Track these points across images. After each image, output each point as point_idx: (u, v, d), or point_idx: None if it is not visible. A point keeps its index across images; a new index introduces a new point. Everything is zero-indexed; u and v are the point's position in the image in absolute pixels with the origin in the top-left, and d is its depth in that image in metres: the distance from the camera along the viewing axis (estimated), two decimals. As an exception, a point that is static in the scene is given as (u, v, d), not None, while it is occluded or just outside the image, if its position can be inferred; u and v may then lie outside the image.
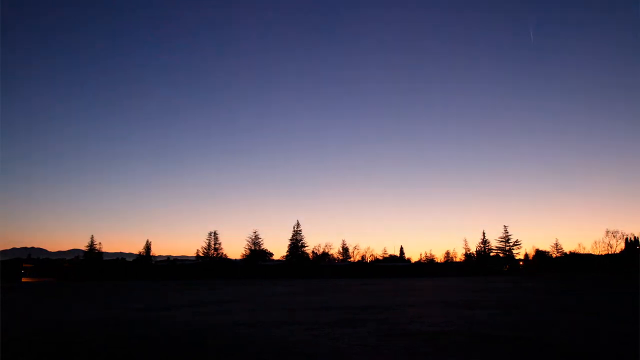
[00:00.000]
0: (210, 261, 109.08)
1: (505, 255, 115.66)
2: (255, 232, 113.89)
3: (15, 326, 12.10)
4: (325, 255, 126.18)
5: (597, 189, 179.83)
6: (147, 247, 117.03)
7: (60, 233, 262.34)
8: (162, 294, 31.41)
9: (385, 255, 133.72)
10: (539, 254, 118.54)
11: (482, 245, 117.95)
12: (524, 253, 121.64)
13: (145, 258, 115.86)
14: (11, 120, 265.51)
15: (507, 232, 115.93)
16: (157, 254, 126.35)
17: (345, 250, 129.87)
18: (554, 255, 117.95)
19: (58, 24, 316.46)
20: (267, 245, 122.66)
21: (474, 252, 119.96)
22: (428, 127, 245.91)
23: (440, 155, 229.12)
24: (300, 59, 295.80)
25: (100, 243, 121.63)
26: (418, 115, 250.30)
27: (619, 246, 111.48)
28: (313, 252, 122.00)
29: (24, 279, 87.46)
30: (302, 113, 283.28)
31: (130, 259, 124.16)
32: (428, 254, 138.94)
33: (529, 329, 10.56)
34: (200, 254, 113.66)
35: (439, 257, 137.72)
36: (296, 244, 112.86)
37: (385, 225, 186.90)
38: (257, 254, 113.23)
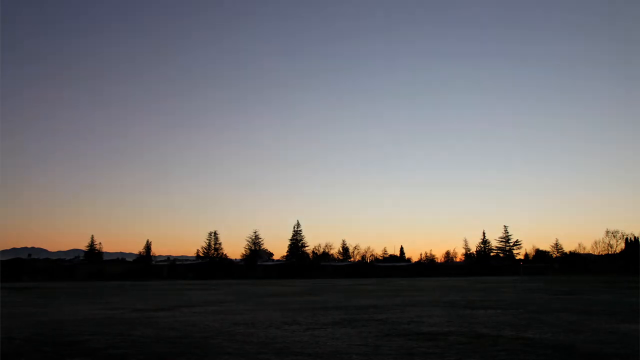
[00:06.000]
0: (210, 261, 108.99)
1: (505, 255, 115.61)
2: (255, 232, 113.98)
3: (15, 326, 12.07)
4: (325, 255, 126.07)
5: (597, 189, 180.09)
6: (147, 247, 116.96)
7: (60, 233, 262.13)
8: (162, 294, 31.40)
9: (386, 255, 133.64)
10: (539, 254, 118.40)
11: (482, 245, 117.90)
12: (523, 253, 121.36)
13: (145, 258, 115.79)
14: (10, 119, 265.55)
15: (507, 232, 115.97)
16: (157, 254, 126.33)
17: (345, 250, 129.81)
18: (554, 255, 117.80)
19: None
20: (267, 245, 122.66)
21: (474, 252, 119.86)
22: (428, 127, 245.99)
23: (440, 155, 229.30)
24: (299, 56, 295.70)
25: (100, 243, 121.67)
26: (418, 115, 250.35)
27: (619, 246, 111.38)
28: (313, 252, 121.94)
29: (24, 279, 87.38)
30: (301, 113, 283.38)
31: (130, 259, 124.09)
32: (428, 254, 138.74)
33: (529, 329, 10.54)
34: (200, 254, 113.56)
35: (439, 257, 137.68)
36: (296, 244, 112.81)
37: (385, 225, 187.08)
38: (257, 254, 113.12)
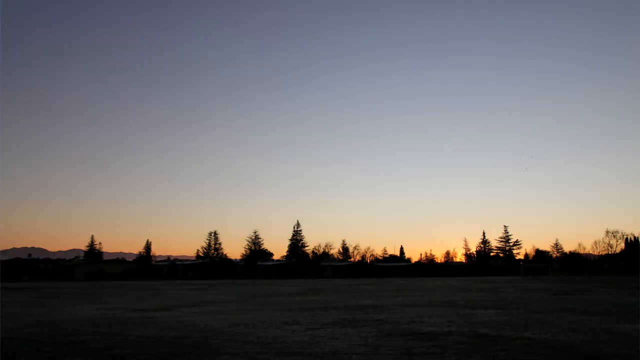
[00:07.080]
0: (210, 261, 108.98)
1: (505, 255, 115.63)
2: (255, 232, 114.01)
3: (15, 326, 12.07)
4: (325, 255, 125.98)
5: (597, 189, 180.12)
6: (147, 247, 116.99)
7: (60, 233, 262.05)
8: (162, 294, 31.39)
9: (385, 255, 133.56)
10: (539, 254, 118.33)
11: (482, 245, 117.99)
12: (523, 253, 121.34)
13: (145, 258, 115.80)
14: (10, 119, 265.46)
15: (507, 232, 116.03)
16: (157, 254, 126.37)
17: (345, 250, 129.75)
18: (554, 255, 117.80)
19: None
20: (267, 245, 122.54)
21: (474, 252, 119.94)
22: (427, 127, 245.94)
23: (440, 155, 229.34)
24: (299, 55, 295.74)
25: (100, 243, 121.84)
26: (417, 115, 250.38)
27: (619, 246, 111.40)
28: (313, 252, 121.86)
29: (24, 279, 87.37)
30: (301, 113, 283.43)
31: (130, 259, 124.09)
32: (428, 254, 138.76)
33: (529, 329, 10.53)
34: (200, 254, 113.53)
35: (439, 257, 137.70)
36: (296, 243, 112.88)
37: (385, 225, 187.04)
38: (257, 254, 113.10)
